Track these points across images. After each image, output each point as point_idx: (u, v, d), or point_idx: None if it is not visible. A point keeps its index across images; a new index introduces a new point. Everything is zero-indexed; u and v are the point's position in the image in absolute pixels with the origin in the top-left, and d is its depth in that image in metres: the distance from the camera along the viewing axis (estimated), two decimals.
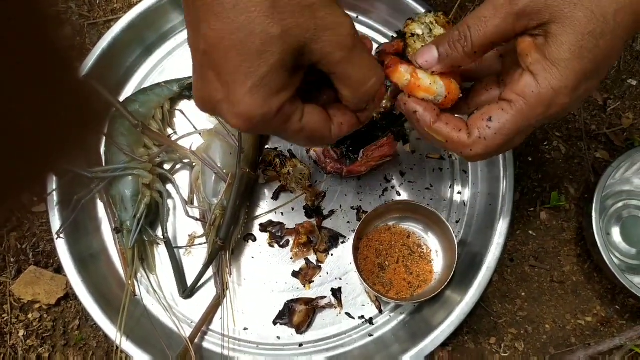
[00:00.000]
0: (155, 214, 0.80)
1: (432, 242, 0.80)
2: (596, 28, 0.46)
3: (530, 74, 0.48)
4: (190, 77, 0.84)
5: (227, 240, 0.75)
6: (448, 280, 0.75)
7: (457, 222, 0.82)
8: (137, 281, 0.79)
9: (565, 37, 0.46)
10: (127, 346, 0.74)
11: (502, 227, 0.75)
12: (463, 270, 0.77)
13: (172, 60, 0.86)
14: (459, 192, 0.82)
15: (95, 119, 0.31)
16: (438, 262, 0.79)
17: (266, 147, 0.83)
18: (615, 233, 0.83)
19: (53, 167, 0.32)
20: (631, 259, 0.83)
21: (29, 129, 0.24)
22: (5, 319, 0.81)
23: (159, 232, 0.80)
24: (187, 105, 0.85)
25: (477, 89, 0.57)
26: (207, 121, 0.83)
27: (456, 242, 0.79)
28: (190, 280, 0.77)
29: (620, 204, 0.84)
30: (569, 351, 0.80)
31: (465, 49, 0.50)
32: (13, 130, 0.23)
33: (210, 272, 0.79)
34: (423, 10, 0.80)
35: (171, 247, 0.78)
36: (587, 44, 0.46)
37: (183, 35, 0.87)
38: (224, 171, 0.76)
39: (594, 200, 0.77)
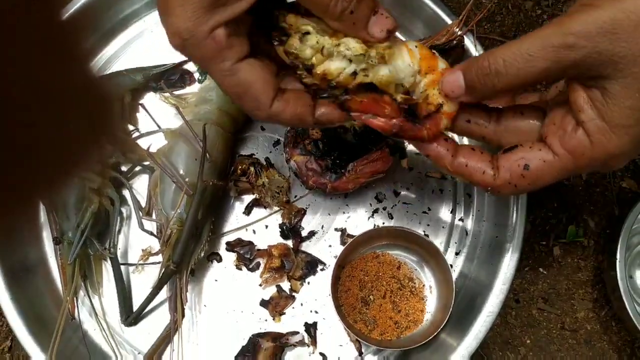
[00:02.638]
0: (105, 224, 0.68)
1: (426, 276, 0.68)
2: None
3: (584, 132, 0.41)
4: (157, 66, 0.73)
5: (182, 262, 0.63)
6: (444, 323, 0.63)
7: (457, 253, 0.70)
8: (78, 302, 0.67)
9: (630, 102, 0.39)
10: None
11: (509, 265, 0.64)
12: (460, 311, 0.66)
13: (137, 46, 0.75)
14: (461, 219, 0.71)
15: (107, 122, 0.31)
16: (432, 300, 0.68)
17: (240, 154, 0.72)
18: (639, 277, 0.72)
19: (69, 174, 0.30)
20: None
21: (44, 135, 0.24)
22: None
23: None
24: (152, 100, 0.73)
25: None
26: (173, 119, 0.71)
27: (454, 278, 0.67)
28: (137, 305, 0.66)
29: None
30: None
31: (496, 86, 0.42)
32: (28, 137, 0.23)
33: (164, 294, 0.67)
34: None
35: (117, 264, 0.66)
36: None
37: (149, 19, 0.75)
38: (187, 180, 0.65)
39: (620, 238, 0.66)
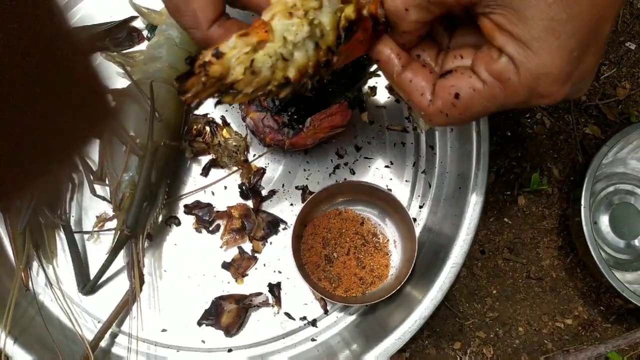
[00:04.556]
0: (55, 191, 0.65)
1: (389, 231, 0.67)
2: None
3: (507, 56, 0.38)
4: (102, 24, 0.69)
5: (137, 227, 0.61)
6: (407, 277, 0.63)
7: (420, 207, 0.69)
8: (31, 272, 0.65)
9: (530, 12, 0.36)
10: (15, 350, 0.61)
11: (472, 215, 0.63)
12: (425, 264, 0.65)
13: (81, 3, 0.71)
14: (424, 172, 0.69)
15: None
16: (396, 255, 0.67)
17: (194, 113, 0.69)
18: (604, 222, 0.72)
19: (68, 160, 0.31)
20: (619, 252, 0.71)
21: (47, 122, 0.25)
22: None
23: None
24: (97, 59, 0.70)
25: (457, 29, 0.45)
26: (119, 79, 0.68)
27: (418, 231, 0.66)
28: (94, 273, 0.64)
29: (611, 189, 0.72)
30: (545, 358, 0.68)
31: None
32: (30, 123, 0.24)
33: (122, 262, 0.65)
34: None
35: (70, 232, 0.64)
36: (558, 14, 0.35)
37: None
38: (137, 141, 0.62)
39: (585, 184, 0.65)
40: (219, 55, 0.37)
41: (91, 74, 0.30)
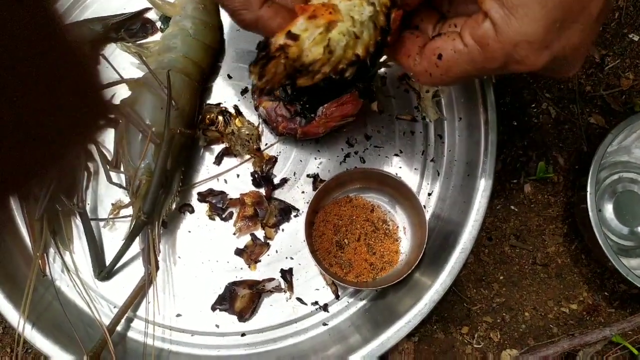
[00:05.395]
0: (72, 179, 0.66)
1: (399, 218, 0.69)
2: None
3: (490, 20, 0.39)
4: (117, 16, 0.70)
5: (153, 213, 0.62)
6: (417, 263, 0.64)
7: (429, 194, 0.70)
8: (49, 258, 0.66)
9: None
10: (33, 335, 0.62)
11: (480, 201, 0.64)
12: (434, 250, 0.66)
13: None
14: (433, 160, 0.71)
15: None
16: (405, 241, 0.68)
17: (207, 102, 0.70)
18: (608, 210, 0.73)
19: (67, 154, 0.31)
20: (623, 239, 0.73)
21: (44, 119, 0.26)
22: None
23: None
24: (113, 50, 0.71)
25: None
26: (135, 69, 0.69)
27: (427, 218, 0.68)
28: (110, 259, 0.65)
29: (615, 177, 0.73)
30: (550, 342, 0.70)
31: None
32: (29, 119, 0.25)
33: (138, 248, 0.66)
34: None
35: (87, 219, 0.65)
36: None
37: None
38: (153, 129, 0.63)
39: (590, 172, 0.66)
40: (294, 37, 0.39)
41: (90, 69, 0.31)
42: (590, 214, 0.66)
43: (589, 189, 0.65)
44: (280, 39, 0.39)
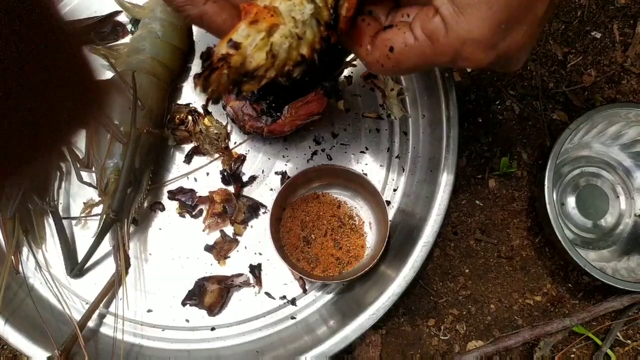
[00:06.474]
0: (43, 179, 0.68)
1: (365, 214, 0.70)
2: None
3: (441, 17, 0.40)
4: (87, 19, 0.72)
5: (122, 211, 0.64)
6: (379, 256, 0.66)
7: (394, 190, 0.72)
8: (21, 256, 0.68)
9: None
10: (6, 330, 0.63)
11: (442, 196, 0.66)
12: (399, 244, 0.68)
13: None
14: (398, 157, 0.72)
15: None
16: (371, 236, 0.70)
17: (177, 102, 0.72)
18: (571, 203, 0.75)
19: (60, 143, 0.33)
20: (586, 232, 0.75)
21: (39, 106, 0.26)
22: None
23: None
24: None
25: None
26: (105, 71, 0.71)
27: (392, 213, 0.69)
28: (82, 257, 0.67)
29: (577, 171, 0.75)
30: (514, 334, 0.72)
31: None
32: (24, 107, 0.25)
33: (108, 246, 0.68)
34: None
35: (59, 218, 0.67)
36: None
37: None
38: (121, 129, 0.65)
39: (548, 167, 0.68)
40: (236, 45, 0.40)
41: (83, 64, 0.31)
42: (548, 208, 0.67)
43: (546, 183, 0.67)
44: (222, 49, 0.40)
